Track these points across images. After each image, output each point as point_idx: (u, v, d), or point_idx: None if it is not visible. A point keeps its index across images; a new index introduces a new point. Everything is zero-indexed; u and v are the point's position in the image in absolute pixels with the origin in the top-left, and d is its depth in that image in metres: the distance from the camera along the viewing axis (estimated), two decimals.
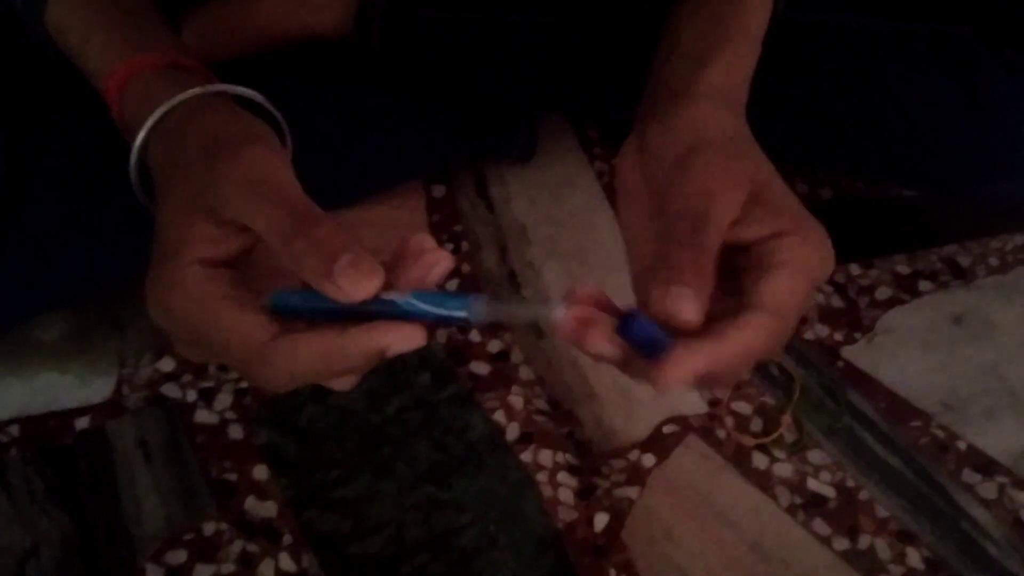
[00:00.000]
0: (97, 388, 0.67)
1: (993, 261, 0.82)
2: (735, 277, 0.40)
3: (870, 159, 0.74)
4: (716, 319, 0.38)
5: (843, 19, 0.68)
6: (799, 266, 0.39)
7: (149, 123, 0.45)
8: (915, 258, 0.81)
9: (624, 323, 0.36)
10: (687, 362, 0.35)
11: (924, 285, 0.79)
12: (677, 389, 0.36)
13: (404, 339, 0.36)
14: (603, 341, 0.36)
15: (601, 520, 0.63)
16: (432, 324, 0.37)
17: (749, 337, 0.37)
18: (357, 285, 0.36)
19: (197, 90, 0.45)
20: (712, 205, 0.40)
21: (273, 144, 0.42)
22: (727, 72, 0.48)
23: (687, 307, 0.37)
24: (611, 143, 0.87)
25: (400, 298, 0.36)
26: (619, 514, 0.63)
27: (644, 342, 0.36)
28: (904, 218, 0.85)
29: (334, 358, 0.36)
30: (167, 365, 0.68)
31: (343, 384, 0.40)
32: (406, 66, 0.71)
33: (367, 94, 0.72)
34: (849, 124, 0.70)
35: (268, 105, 0.50)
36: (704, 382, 0.38)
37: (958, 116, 0.68)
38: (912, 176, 0.76)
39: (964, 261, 0.82)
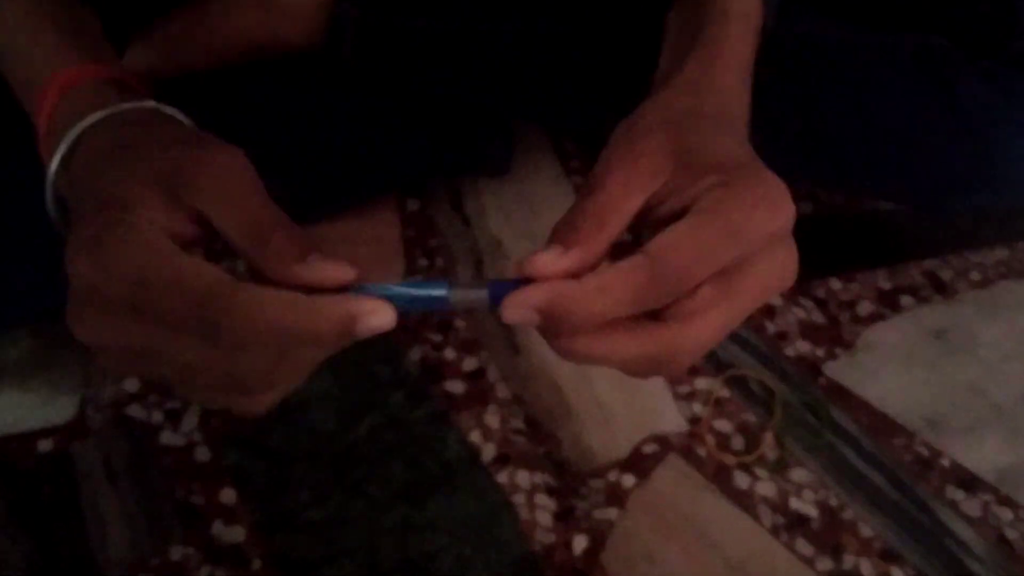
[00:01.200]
0: (61, 408, 0.66)
1: (975, 276, 0.82)
2: None
3: (850, 171, 0.74)
4: None
5: (823, 31, 0.68)
6: (703, 216, 0.36)
7: (95, 116, 0.43)
8: (896, 273, 0.81)
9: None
10: (529, 291, 0.35)
11: (905, 300, 0.79)
12: (518, 320, 0.35)
13: (375, 312, 0.35)
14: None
15: (580, 543, 0.62)
16: (407, 313, 0.37)
17: (610, 276, 0.35)
18: (333, 270, 0.36)
19: (151, 103, 0.44)
20: (608, 174, 0.38)
21: (221, 143, 0.40)
22: (696, 67, 0.47)
23: (541, 257, 0.36)
24: (588, 156, 0.86)
25: (374, 287, 0.36)
26: (599, 536, 0.62)
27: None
28: (885, 232, 0.86)
29: (301, 319, 0.34)
30: (132, 385, 0.67)
31: (304, 364, 0.39)
32: (379, 77, 0.71)
33: (339, 106, 0.72)
34: (829, 135, 0.70)
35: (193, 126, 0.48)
36: (558, 320, 0.35)
37: (938, 128, 0.68)
38: (893, 188, 0.77)
39: (946, 276, 0.82)
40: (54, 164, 0.43)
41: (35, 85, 0.48)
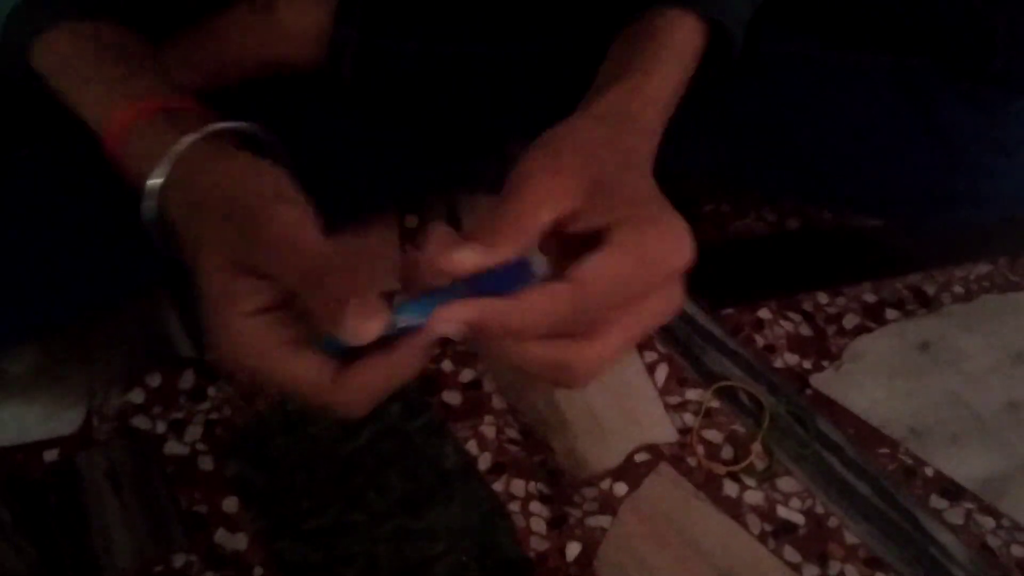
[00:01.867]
0: (66, 420, 0.66)
1: (958, 289, 0.83)
2: None
3: (832, 189, 0.75)
4: None
5: (805, 50, 0.69)
6: (620, 246, 0.39)
7: (154, 183, 0.46)
8: (881, 287, 0.82)
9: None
10: (459, 307, 0.38)
11: (891, 313, 0.80)
12: (447, 332, 0.38)
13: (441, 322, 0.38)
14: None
15: (573, 549, 0.63)
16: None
17: (539, 300, 0.38)
18: (364, 328, 0.38)
19: (193, 136, 0.46)
20: (521, 183, 0.41)
21: (284, 191, 0.44)
22: (620, 98, 0.49)
23: (458, 254, 0.38)
24: None
25: (390, 326, 0.39)
26: (591, 543, 0.63)
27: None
28: (870, 247, 0.87)
29: (394, 374, 0.40)
30: (137, 397, 0.68)
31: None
32: (378, 97, 0.72)
33: (339, 125, 0.73)
34: (811, 154, 0.71)
35: (265, 135, 0.52)
36: (502, 346, 0.39)
37: (918, 146, 0.69)
38: (874, 205, 0.78)
39: (930, 289, 0.83)
40: (148, 208, 0.47)
41: (98, 131, 0.50)
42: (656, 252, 0.40)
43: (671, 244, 0.41)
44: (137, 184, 0.48)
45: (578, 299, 0.38)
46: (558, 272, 0.41)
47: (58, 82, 0.52)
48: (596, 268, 0.39)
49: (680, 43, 0.53)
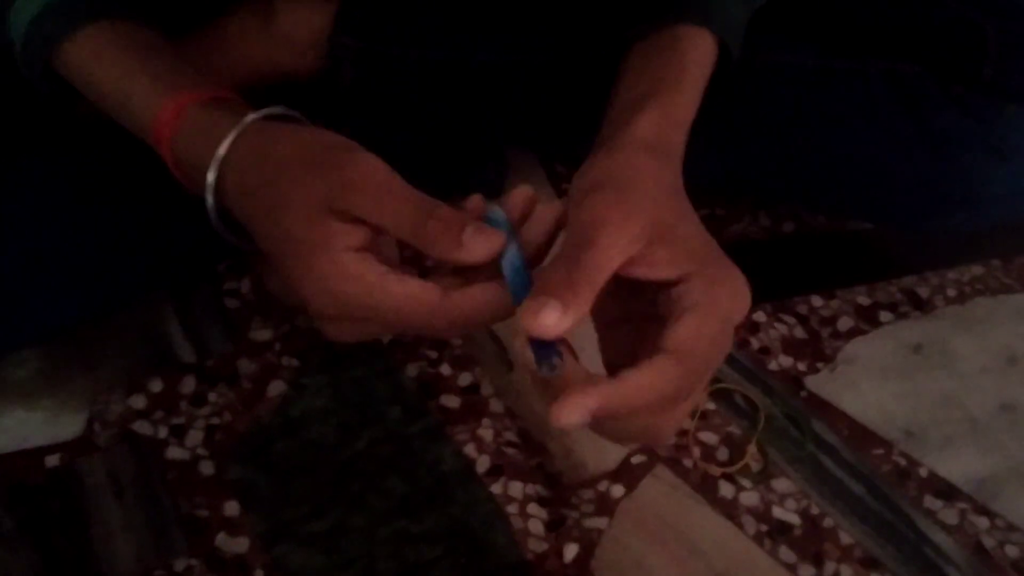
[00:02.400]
0: (67, 425, 0.67)
1: (951, 292, 0.84)
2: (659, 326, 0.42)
3: (827, 195, 0.76)
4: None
5: (800, 59, 0.70)
6: (705, 308, 0.41)
7: (234, 133, 0.48)
8: (875, 289, 0.83)
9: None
10: (580, 398, 0.38)
11: (884, 316, 0.81)
12: (574, 425, 0.38)
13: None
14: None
15: (571, 551, 0.63)
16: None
17: (650, 378, 0.39)
18: (487, 244, 0.42)
19: (256, 115, 0.49)
20: (596, 231, 0.41)
21: (355, 145, 0.47)
22: (656, 122, 0.49)
23: (546, 315, 0.39)
24: None
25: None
26: (588, 545, 0.63)
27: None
28: (864, 251, 0.87)
29: (498, 303, 0.43)
30: (138, 402, 0.68)
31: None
32: (377, 104, 0.72)
33: (337, 132, 0.73)
34: (806, 161, 0.72)
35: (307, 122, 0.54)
36: (609, 423, 0.41)
37: (912, 152, 0.69)
38: (869, 211, 0.79)
39: (923, 292, 0.83)
40: (209, 198, 0.50)
41: (137, 120, 0.52)
42: (731, 311, 0.42)
43: (742, 298, 0.43)
44: (185, 171, 0.51)
45: (685, 371, 0.40)
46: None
47: (96, 76, 0.54)
48: (691, 336, 0.40)
49: (701, 61, 0.54)
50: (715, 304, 0.41)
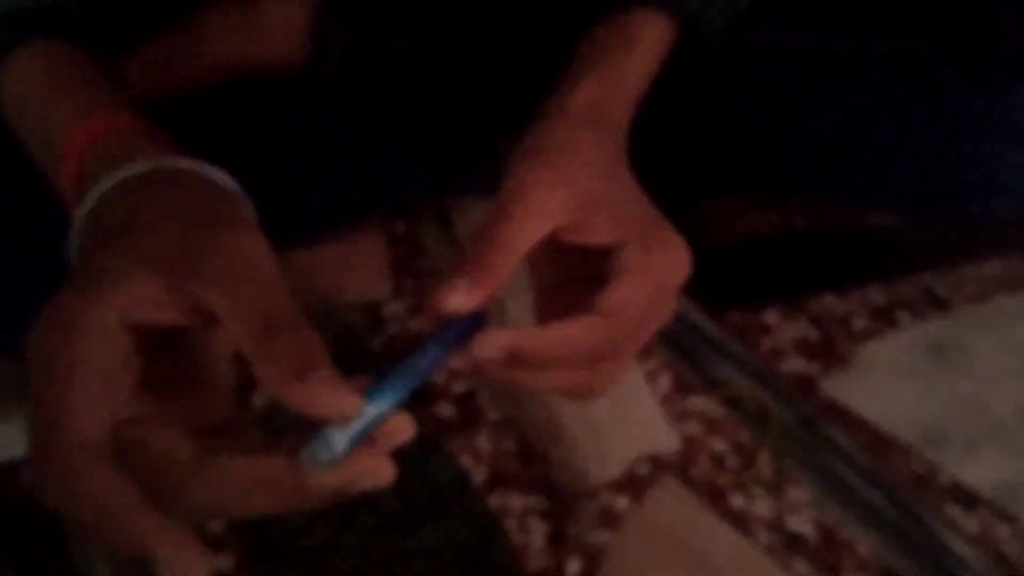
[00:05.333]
0: None
1: (971, 290, 0.83)
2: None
3: (841, 183, 0.75)
4: None
5: (807, 40, 0.69)
6: (637, 272, 0.42)
7: (126, 171, 0.41)
8: (891, 288, 0.82)
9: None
10: (497, 334, 0.38)
11: (901, 315, 0.80)
12: (486, 358, 0.38)
13: (374, 474, 0.36)
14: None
15: (573, 566, 0.62)
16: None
17: (574, 333, 0.40)
18: (336, 399, 0.34)
19: (185, 161, 0.43)
20: (514, 204, 0.42)
21: (248, 219, 0.41)
22: (593, 94, 0.50)
23: (454, 297, 0.38)
24: None
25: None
26: (592, 559, 0.62)
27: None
28: (879, 247, 0.86)
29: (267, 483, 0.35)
30: None
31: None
32: (363, 98, 0.71)
33: (323, 128, 0.72)
34: (819, 145, 0.71)
35: (236, 187, 0.46)
36: (530, 374, 0.40)
37: (928, 135, 0.69)
38: (885, 198, 0.78)
39: (941, 290, 0.82)
40: (74, 242, 0.42)
41: (54, 147, 0.47)
42: (668, 274, 0.43)
43: (679, 264, 0.44)
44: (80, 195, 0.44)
45: (611, 331, 0.41)
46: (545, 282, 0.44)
47: (23, 104, 0.50)
48: (623, 298, 0.41)
49: (651, 40, 0.55)
50: (648, 268, 0.42)
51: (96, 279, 0.36)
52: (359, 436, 0.34)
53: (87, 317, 0.35)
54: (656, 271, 0.42)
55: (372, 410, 0.35)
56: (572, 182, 0.43)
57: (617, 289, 0.41)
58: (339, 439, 0.34)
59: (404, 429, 0.37)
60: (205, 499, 0.34)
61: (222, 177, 0.44)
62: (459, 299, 0.38)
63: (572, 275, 0.45)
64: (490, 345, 0.38)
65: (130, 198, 0.41)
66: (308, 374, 0.33)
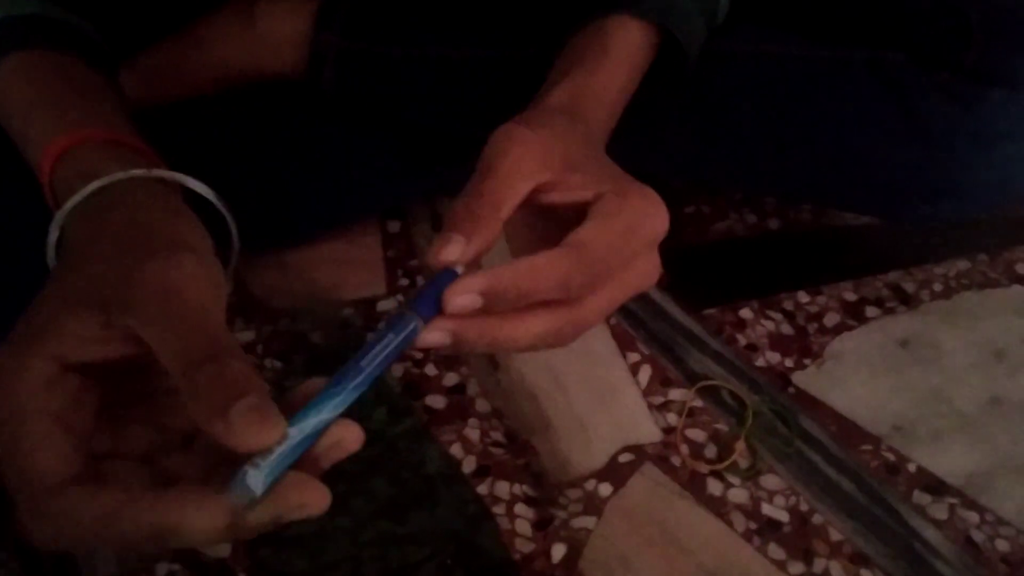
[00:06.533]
0: None
1: (938, 287, 0.84)
2: None
3: (813, 185, 0.76)
4: None
5: (783, 48, 0.70)
6: (609, 214, 0.41)
7: (77, 197, 0.41)
8: (862, 285, 0.83)
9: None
10: (470, 279, 0.37)
11: (871, 311, 0.81)
12: (462, 307, 0.38)
13: (198, 516, 0.32)
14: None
15: (559, 551, 0.63)
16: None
17: (542, 263, 0.39)
18: (255, 432, 0.32)
19: (139, 172, 0.42)
20: (498, 161, 0.42)
21: (204, 256, 0.39)
22: (568, 92, 0.51)
23: (449, 249, 0.38)
24: None
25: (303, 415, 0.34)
26: (576, 544, 0.63)
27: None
28: (851, 247, 0.87)
29: (114, 527, 0.33)
30: None
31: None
32: (359, 103, 0.72)
33: (321, 131, 0.73)
34: (791, 151, 0.71)
35: (217, 201, 0.46)
36: (508, 328, 0.39)
37: (897, 140, 0.69)
38: (856, 200, 0.79)
39: (909, 287, 0.84)
40: (50, 254, 0.43)
41: (34, 157, 0.47)
42: (640, 219, 0.42)
43: (653, 211, 0.43)
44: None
45: (578, 263, 0.40)
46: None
47: (5, 113, 0.50)
48: (591, 233, 0.40)
49: (627, 45, 0.56)
50: (621, 212, 0.42)
51: (31, 330, 0.35)
52: (284, 464, 0.33)
53: (26, 370, 0.34)
54: (627, 215, 0.42)
55: (312, 421, 0.34)
56: (549, 146, 0.43)
57: (587, 227, 0.41)
58: (254, 479, 0.32)
59: (350, 440, 0.36)
60: (148, 534, 0.33)
61: (196, 184, 0.45)
62: (454, 250, 0.38)
63: (548, 236, 0.44)
64: (463, 290, 0.37)
65: (76, 225, 0.41)
66: (229, 408, 0.32)
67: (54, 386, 0.35)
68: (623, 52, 0.55)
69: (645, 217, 0.43)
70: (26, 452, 0.33)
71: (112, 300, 0.35)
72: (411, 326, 0.37)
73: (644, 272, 0.43)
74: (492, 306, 0.38)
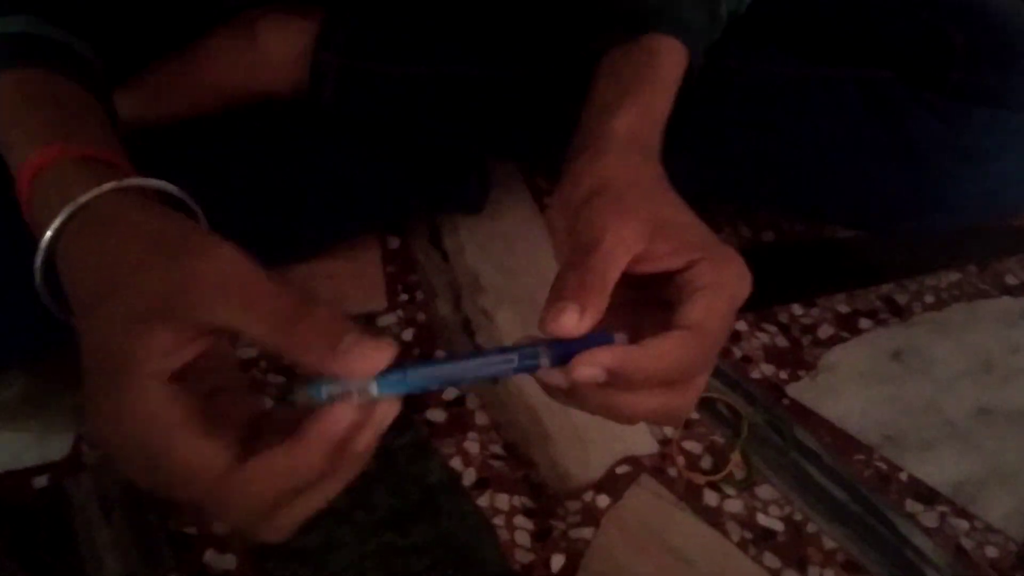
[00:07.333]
0: (55, 446, 0.67)
1: (929, 298, 0.85)
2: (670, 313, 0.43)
3: (804, 200, 0.77)
4: None
5: (771, 66, 0.71)
6: (715, 287, 0.42)
7: (57, 222, 0.41)
8: (855, 297, 0.84)
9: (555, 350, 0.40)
10: (598, 352, 0.39)
11: (864, 323, 0.82)
12: (588, 377, 0.39)
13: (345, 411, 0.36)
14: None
15: (558, 561, 0.63)
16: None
17: (669, 346, 0.40)
18: (367, 358, 0.35)
19: (109, 185, 0.42)
20: (603, 235, 0.42)
21: (226, 240, 0.39)
22: (635, 121, 0.50)
23: (566, 318, 0.39)
24: None
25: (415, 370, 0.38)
26: (575, 555, 0.64)
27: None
28: (844, 259, 0.88)
29: (294, 467, 0.36)
30: None
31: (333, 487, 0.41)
32: (359, 121, 0.72)
33: (321, 149, 0.73)
34: (783, 167, 0.73)
35: (187, 199, 0.46)
36: (627, 400, 0.41)
37: (885, 157, 0.71)
38: (846, 215, 0.80)
39: (901, 299, 0.84)
40: (39, 260, 0.42)
41: (16, 169, 0.46)
42: (738, 288, 0.43)
43: (744, 274, 0.44)
44: (37, 232, 0.43)
45: (700, 347, 0.41)
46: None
47: None
48: (703, 313, 0.41)
49: (673, 68, 0.56)
50: (724, 284, 0.42)
51: (118, 362, 0.36)
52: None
53: (143, 401, 0.36)
54: (730, 286, 0.42)
55: (393, 378, 0.37)
56: (642, 212, 0.44)
57: (700, 302, 0.41)
58: (326, 390, 0.36)
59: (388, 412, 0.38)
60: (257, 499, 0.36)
61: (166, 185, 0.44)
62: (571, 319, 0.39)
63: (630, 299, 0.45)
64: (592, 363, 0.38)
65: (72, 245, 0.41)
66: (336, 345, 0.35)
67: (171, 399, 0.36)
68: (672, 76, 0.55)
69: (740, 283, 0.43)
70: (184, 459, 0.35)
71: (178, 307, 0.36)
72: (536, 361, 0.40)
73: (731, 327, 0.44)
74: (614, 381, 0.39)
